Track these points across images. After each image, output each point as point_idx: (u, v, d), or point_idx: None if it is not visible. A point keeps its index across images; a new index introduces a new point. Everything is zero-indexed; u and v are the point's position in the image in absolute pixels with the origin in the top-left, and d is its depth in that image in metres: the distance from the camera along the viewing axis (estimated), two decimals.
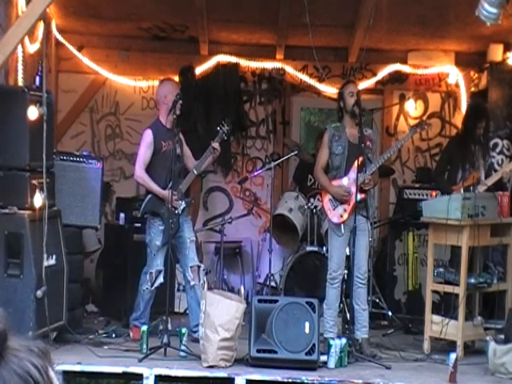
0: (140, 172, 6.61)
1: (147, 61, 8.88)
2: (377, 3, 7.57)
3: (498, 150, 8.03)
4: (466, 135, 7.32)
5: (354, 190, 6.36)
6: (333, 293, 6.46)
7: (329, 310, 6.45)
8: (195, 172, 6.74)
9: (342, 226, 6.41)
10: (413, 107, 9.00)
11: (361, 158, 6.38)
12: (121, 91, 8.98)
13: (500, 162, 7.98)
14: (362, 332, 6.41)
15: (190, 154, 6.86)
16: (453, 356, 5.68)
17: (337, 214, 6.44)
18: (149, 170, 6.61)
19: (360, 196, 6.35)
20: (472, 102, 8.38)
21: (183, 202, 6.60)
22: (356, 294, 6.41)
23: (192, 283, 6.58)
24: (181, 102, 6.59)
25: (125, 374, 5.71)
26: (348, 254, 6.58)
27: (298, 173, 8.78)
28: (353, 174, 6.42)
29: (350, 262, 6.52)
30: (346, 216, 6.41)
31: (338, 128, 6.55)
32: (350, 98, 6.46)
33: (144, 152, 6.61)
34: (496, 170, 7.53)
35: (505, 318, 6.45)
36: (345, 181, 6.47)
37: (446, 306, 6.55)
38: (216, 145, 6.62)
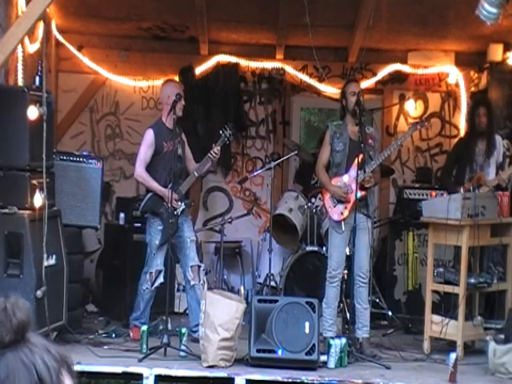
0: (140, 170, 6.62)
1: (147, 61, 8.88)
2: (377, 3, 7.57)
3: None
4: (470, 132, 7.36)
5: (354, 187, 6.37)
6: (332, 291, 6.46)
7: (328, 308, 6.45)
8: (196, 174, 6.75)
9: (343, 223, 6.41)
10: (413, 107, 9.00)
11: (361, 156, 6.39)
12: (121, 91, 8.98)
13: None
14: (363, 331, 6.41)
15: (190, 157, 6.87)
16: (453, 356, 5.68)
17: (337, 212, 6.45)
18: (149, 170, 6.61)
19: (360, 193, 6.36)
20: (474, 98, 8.46)
21: (183, 204, 6.60)
22: (357, 292, 6.40)
23: (192, 283, 6.58)
24: (183, 103, 6.61)
25: (125, 374, 5.71)
26: (348, 253, 6.58)
27: (300, 174, 8.77)
28: (353, 171, 6.43)
29: (350, 261, 6.52)
30: (346, 213, 6.41)
31: (339, 126, 6.57)
32: (352, 97, 6.48)
33: (145, 151, 6.62)
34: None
35: (505, 318, 6.45)
36: (345, 178, 6.48)
37: (445, 306, 6.55)
38: (217, 149, 6.61)
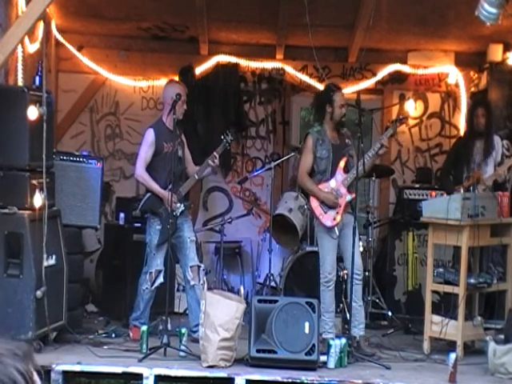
0: (140, 171, 6.61)
1: (147, 61, 8.89)
2: (377, 3, 7.57)
3: None
4: (469, 131, 7.37)
5: (342, 191, 6.40)
6: (329, 295, 6.46)
7: (327, 312, 6.44)
8: (196, 177, 6.74)
9: (336, 228, 6.43)
10: (413, 107, 8.99)
11: (345, 159, 6.42)
12: (121, 91, 8.98)
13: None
14: (359, 329, 6.40)
15: (190, 158, 6.86)
16: (453, 356, 5.67)
17: (330, 218, 6.44)
18: (149, 170, 6.60)
19: (351, 196, 6.40)
20: (473, 98, 8.46)
21: (182, 205, 6.59)
22: (353, 291, 6.39)
23: (192, 283, 6.58)
24: (185, 107, 6.60)
25: (125, 374, 5.70)
26: (339, 254, 6.58)
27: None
28: (339, 175, 6.45)
29: (348, 262, 6.51)
30: (339, 218, 6.43)
31: (319, 132, 6.53)
32: (340, 109, 6.45)
33: (145, 151, 6.61)
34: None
35: (505, 318, 6.45)
36: (332, 183, 6.48)
37: (445, 306, 6.55)
38: (216, 158, 6.60)
